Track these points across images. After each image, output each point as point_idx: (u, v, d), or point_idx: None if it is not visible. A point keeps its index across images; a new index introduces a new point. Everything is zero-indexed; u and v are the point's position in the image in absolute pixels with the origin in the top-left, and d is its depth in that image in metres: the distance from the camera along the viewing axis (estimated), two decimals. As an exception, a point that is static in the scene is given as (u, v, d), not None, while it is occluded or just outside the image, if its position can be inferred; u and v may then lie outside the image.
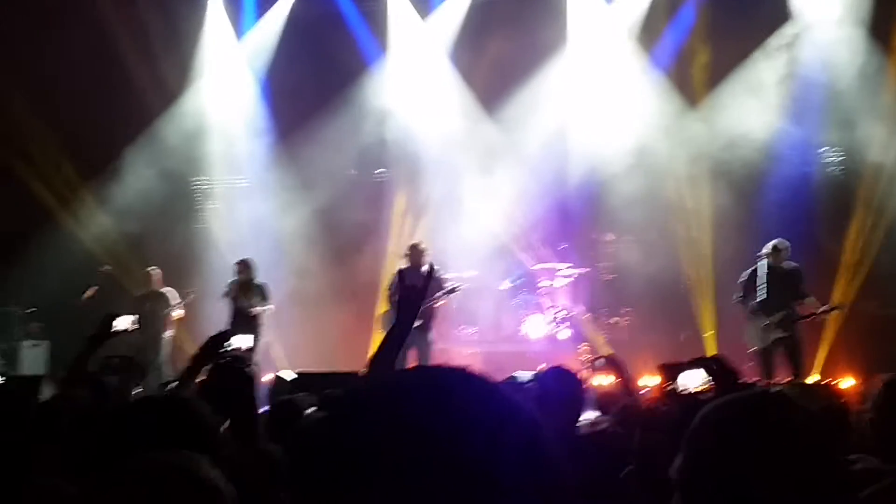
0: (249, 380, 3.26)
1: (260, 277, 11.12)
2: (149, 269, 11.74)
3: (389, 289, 10.41)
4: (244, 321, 10.47)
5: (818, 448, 1.44)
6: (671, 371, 4.39)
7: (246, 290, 10.91)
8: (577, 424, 3.83)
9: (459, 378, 1.06)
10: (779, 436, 1.44)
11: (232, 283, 10.99)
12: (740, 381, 3.79)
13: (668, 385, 4.37)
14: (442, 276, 10.23)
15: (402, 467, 0.96)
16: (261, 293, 10.97)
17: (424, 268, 10.19)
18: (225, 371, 3.33)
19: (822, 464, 1.43)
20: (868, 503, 2.41)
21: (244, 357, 3.91)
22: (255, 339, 10.52)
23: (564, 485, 1.03)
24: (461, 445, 0.97)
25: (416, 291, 2.85)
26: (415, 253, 10.32)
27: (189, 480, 1.78)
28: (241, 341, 4.65)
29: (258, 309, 10.85)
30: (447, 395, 1.03)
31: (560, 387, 3.79)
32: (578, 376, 4.02)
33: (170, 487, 1.76)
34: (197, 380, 3.50)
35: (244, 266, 11.00)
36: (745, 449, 1.42)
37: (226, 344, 3.71)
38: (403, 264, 10.39)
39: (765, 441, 1.43)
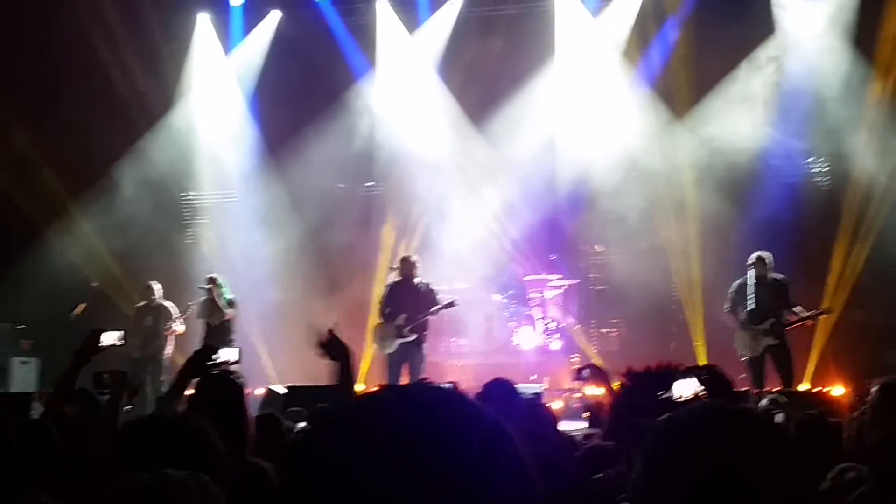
0: (240, 391, 3.26)
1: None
2: (150, 282, 11.57)
3: (381, 302, 10.40)
4: (216, 337, 10.42)
5: (779, 464, 1.39)
6: (637, 378, 4.36)
7: (214, 307, 10.91)
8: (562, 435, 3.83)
9: (445, 396, 1.07)
10: (733, 452, 1.39)
11: (203, 302, 10.97)
12: (733, 390, 3.79)
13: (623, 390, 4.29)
14: (435, 290, 10.22)
15: (387, 485, 0.97)
16: (230, 306, 10.98)
17: (417, 281, 10.20)
18: (216, 382, 3.33)
19: (783, 481, 1.38)
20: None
21: (232, 370, 3.90)
22: (223, 343, 10.49)
23: (538, 499, 1.04)
24: (447, 463, 0.98)
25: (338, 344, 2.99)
26: (406, 266, 10.29)
27: (191, 495, 1.79)
28: (227, 354, 4.64)
29: (228, 312, 10.87)
30: (433, 412, 1.03)
31: (505, 398, 3.74)
32: (512, 385, 3.95)
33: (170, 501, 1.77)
34: (186, 393, 3.50)
35: (212, 283, 10.98)
36: (698, 465, 1.38)
37: (213, 357, 3.71)
38: (394, 277, 10.40)
39: (718, 457, 1.38)
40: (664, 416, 1.50)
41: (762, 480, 1.37)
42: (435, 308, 10.02)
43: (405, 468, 0.97)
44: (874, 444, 2.54)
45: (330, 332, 3.12)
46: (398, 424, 1.01)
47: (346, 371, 3.12)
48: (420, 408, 1.04)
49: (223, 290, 11.00)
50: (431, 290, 10.20)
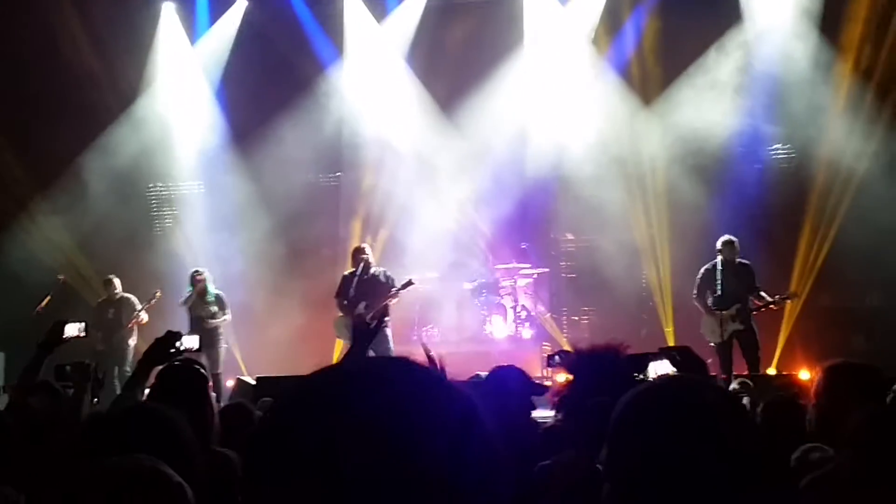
0: (203, 379, 3.23)
1: (216, 285, 11.08)
2: (110, 276, 11.66)
3: (337, 294, 10.37)
4: (202, 331, 10.37)
5: (743, 435, 1.40)
6: (636, 362, 4.39)
7: (203, 299, 10.87)
8: (531, 418, 3.87)
9: (404, 367, 1.03)
10: (698, 423, 1.39)
11: (189, 292, 10.94)
12: (707, 371, 3.81)
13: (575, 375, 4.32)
14: (393, 278, 10.21)
15: (349, 460, 0.93)
16: (218, 303, 10.96)
17: (374, 270, 10.19)
18: (179, 370, 3.30)
19: (747, 451, 1.39)
20: (809, 489, 2.44)
21: (194, 358, 3.86)
22: (213, 346, 10.46)
23: (503, 475, 1.01)
24: (409, 436, 0.95)
25: (368, 323, 2.98)
26: (359, 255, 10.29)
27: (153, 481, 1.76)
28: (189, 342, 4.60)
29: (217, 321, 10.84)
30: (392, 384, 0.99)
31: (511, 382, 3.83)
32: (526, 373, 4.06)
33: (133, 489, 1.74)
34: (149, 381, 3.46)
35: (200, 276, 10.95)
36: (665, 437, 1.38)
37: (176, 344, 3.67)
38: (350, 268, 10.40)
39: (684, 429, 1.38)
40: (633, 391, 1.49)
41: (731, 450, 1.37)
42: (394, 290, 9.99)
43: (371, 443, 0.94)
44: (856, 425, 2.55)
45: (362, 318, 3.13)
46: (364, 397, 0.97)
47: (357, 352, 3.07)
48: (388, 380, 1.00)
49: (209, 285, 10.96)
50: (390, 279, 10.21)
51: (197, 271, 11.06)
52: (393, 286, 10.12)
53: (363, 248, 10.51)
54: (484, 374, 4.62)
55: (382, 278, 10.24)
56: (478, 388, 4.14)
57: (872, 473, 2.33)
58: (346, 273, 10.47)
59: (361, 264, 10.20)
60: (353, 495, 0.93)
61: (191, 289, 10.96)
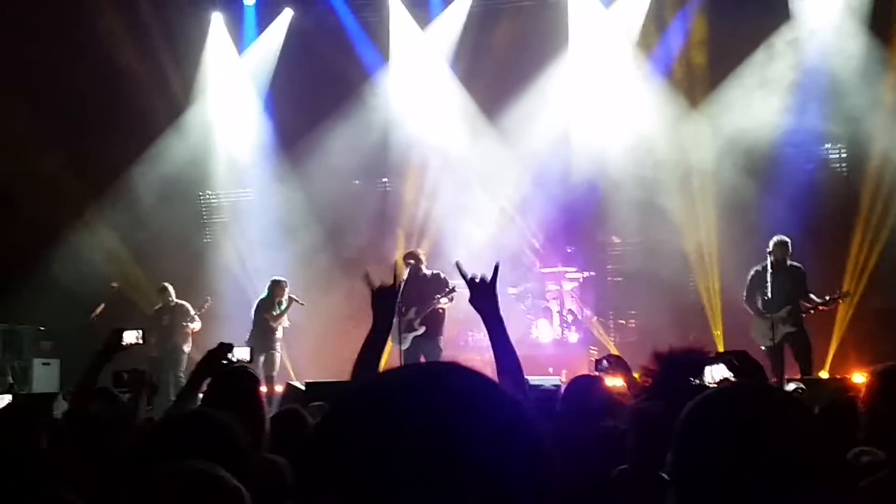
0: (256, 385, 3.28)
1: (265, 290, 11.31)
2: (163, 284, 11.86)
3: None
4: (268, 333, 10.94)
5: (809, 439, 1.41)
6: (664, 360, 4.37)
7: (271, 306, 11.23)
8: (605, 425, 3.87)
9: (454, 372, 1.03)
10: (767, 427, 1.40)
11: (283, 305, 11.23)
12: (764, 375, 3.76)
13: (658, 375, 4.33)
14: (445, 278, 10.19)
15: (406, 468, 0.94)
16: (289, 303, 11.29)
17: (425, 272, 10.17)
18: (231, 377, 3.35)
19: (814, 455, 1.39)
20: (864, 494, 2.42)
21: (247, 366, 3.93)
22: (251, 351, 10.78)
23: (557, 484, 1.01)
24: (466, 443, 0.95)
25: (388, 291, 2.92)
26: (410, 260, 10.29)
27: (213, 485, 1.81)
28: (239, 353, 4.68)
29: (280, 322, 11.17)
30: (443, 390, 1.00)
31: (586, 395, 3.84)
32: (603, 386, 4.06)
33: (192, 493, 1.79)
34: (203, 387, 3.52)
35: (282, 286, 11.29)
36: (734, 441, 1.39)
37: (228, 356, 3.74)
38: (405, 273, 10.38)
39: (753, 433, 1.39)
40: (700, 396, 1.50)
41: (793, 456, 1.37)
42: (437, 296, 9.98)
43: (424, 450, 0.94)
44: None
45: (391, 287, 3.02)
46: (417, 405, 0.98)
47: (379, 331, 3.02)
48: (441, 388, 1.00)
49: (283, 299, 11.23)
50: (441, 279, 10.16)
51: (279, 281, 11.29)
52: (445, 286, 10.07)
53: (412, 253, 10.48)
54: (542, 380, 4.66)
55: (434, 280, 10.17)
56: (554, 395, 4.17)
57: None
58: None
59: (408, 269, 10.21)
60: (405, 502, 0.94)
61: (285, 301, 11.22)
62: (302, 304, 11.43)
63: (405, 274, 10.22)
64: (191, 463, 1.86)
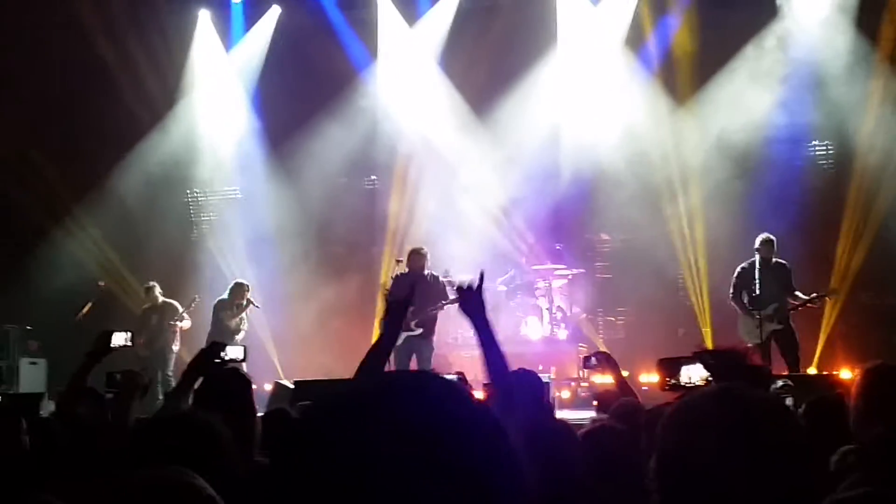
0: (247, 385, 3.26)
1: (253, 287, 11.26)
2: (150, 283, 11.75)
3: (387, 294, 10.34)
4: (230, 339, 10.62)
5: (791, 443, 1.40)
6: (670, 366, 4.40)
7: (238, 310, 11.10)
8: (559, 420, 3.88)
9: (434, 380, 1.05)
10: (748, 431, 1.39)
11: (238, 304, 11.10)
12: (755, 374, 3.73)
13: (669, 381, 4.37)
14: (444, 281, 10.17)
15: (386, 473, 0.95)
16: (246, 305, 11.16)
17: (427, 272, 10.11)
18: (222, 378, 3.34)
19: (792, 458, 1.38)
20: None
21: (239, 367, 3.92)
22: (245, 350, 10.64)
23: (527, 486, 1.03)
24: (451, 454, 0.97)
25: (401, 302, 3.01)
26: (414, 258, 10.21)
27: (187, 493, 1.79)
28: (233, 353, 4.66)
29: (235, 322, 11.04)
30: (436, 402, 1.02)
31: (524, 385, 3.85)
32: (537, 374, 4.10)
33: (167, 501, 1.77)
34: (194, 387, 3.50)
35: (243, 289, 11.16)
36: (715, 446, 1.38)
37: (221, 355, 3.72)
38: (400, 269, 10.33)
39: (734, 437, 1.38)
40: (680, 401, 1.50)
41: (775, 463, 1.36)
42: (441, 303, 9.96)
43: (406, 456, 0.95)
44: (868, 443, 2.52)
45: (404, 302, 3.15)
46: (401, 410, 0.99)
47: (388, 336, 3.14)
48: (423, 396, 1.02)
49: (242, 301, 11.15)
50: (441, 282, 10.12)
51: (242, 284, 11.20)
52: (445, 290, 9.97)
53: (419, 251, 10.27)
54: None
55: (434, 282, 10.07)
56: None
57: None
58: (396, 274, 10.35)
59: (411, 268, 10.08)
60: (388, 501, 0.95)
61: (244, 304, 11.10)
62: (258, 307, 11.35)
63: (405, 269, 10.16)
64: (164, 470, 1.85)
